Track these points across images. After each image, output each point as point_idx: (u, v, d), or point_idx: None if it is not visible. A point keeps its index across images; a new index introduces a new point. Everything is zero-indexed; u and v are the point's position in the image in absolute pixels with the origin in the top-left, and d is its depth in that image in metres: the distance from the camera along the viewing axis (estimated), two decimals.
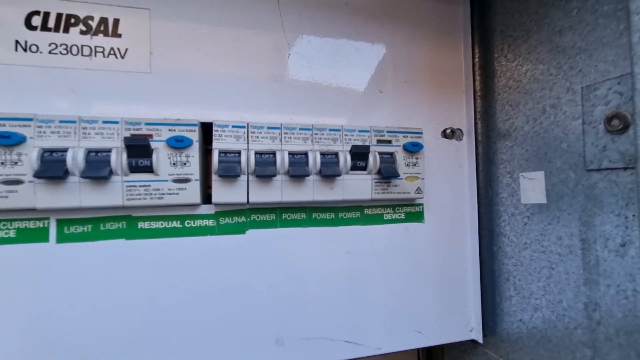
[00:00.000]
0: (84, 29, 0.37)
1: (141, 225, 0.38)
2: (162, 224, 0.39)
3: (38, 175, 0.32)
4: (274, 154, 0.40)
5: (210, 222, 0.40)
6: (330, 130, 0.42)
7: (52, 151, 0.34)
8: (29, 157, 0.33)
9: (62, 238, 0.36)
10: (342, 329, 0.44)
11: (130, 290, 0.37)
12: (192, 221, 0.40)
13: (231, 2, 0.42)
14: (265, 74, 0.42)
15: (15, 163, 0.33)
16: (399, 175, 0.44)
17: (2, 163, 0.33)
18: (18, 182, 0.33)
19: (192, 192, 0.38)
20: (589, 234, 0.35)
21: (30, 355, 0.35)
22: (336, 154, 0.42)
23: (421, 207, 0.48)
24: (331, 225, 0.44)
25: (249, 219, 0.41)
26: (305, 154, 0.41)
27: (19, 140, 0.33)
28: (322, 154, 0.41)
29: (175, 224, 0.39)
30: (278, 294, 0.42)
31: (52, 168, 0.33)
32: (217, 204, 0.40)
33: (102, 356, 0.36)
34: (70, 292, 0.36)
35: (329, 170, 0.40)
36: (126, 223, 0.38)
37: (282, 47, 0.43)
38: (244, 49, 0.42)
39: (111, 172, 0.35)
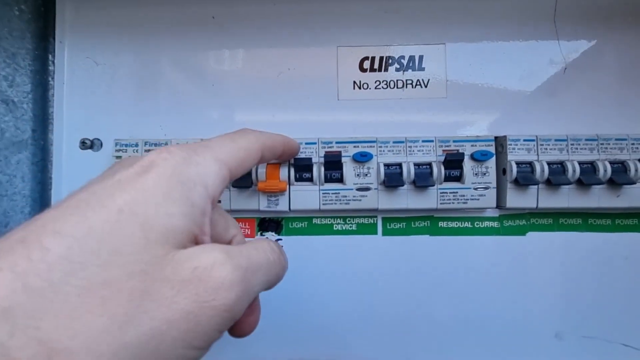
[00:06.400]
0: (397, 66, 0.47)
1: (441, 224, 0.46)
2: (456, 224, 0.46)
3: (385, 184, 0.43)
4: (561, 164, 0.43)
5: (495, 224, 0.46)
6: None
7: (389, 165, 0.44)
8: (375, 170, 0.44)
9: (385, 232, 0.46)
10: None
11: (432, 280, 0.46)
12: (480, 222, 0.46)
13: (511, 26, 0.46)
14: (543, 89, 0.46)
15: (366, 175, 0.44)
16: None
17: (358, 175, 0.44)
18: (367, 189, 0.44)
19: (489, 198, 0.44)
20: None
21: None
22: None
23: None
24: (606, 231, 0.46)
25: (528, 222, 0.46)
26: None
27: (370, 157, 0.44)
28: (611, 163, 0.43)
29: (467, 224, 0.46)
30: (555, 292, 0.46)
31: (392, 178, 0.43)
32: (501, 208, 0.45)
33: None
34: (390, 275, 0.46)
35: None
36: (430, 222, 0.46)
37: (557, 60, 0.46)
38: (521, 67, 0.46)
39: (432, 182, 0.43)
